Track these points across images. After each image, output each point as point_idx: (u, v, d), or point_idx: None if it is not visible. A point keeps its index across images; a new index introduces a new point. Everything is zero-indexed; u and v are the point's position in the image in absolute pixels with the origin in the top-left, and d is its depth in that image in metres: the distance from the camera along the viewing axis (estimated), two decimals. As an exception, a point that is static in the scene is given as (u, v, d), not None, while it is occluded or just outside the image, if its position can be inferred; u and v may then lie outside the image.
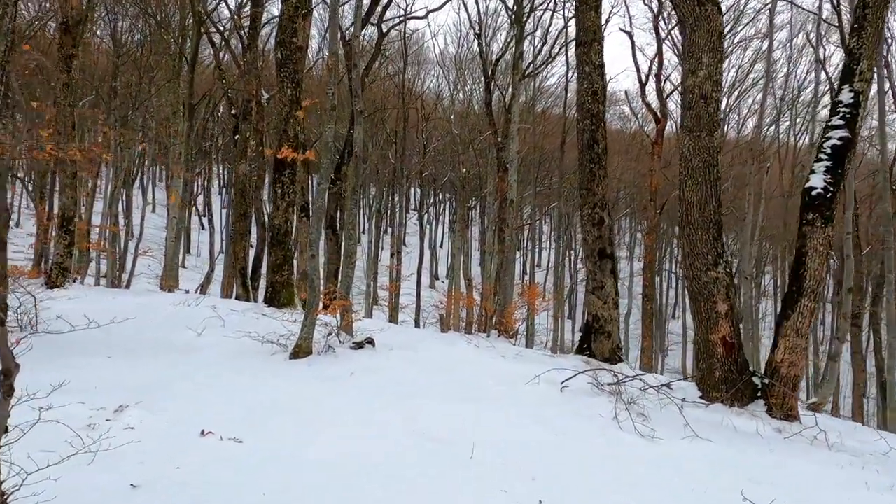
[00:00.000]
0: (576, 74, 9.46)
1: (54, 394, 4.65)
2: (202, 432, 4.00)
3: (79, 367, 5.65)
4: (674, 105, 27.97)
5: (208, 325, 8.08)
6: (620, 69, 32.30)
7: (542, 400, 5.58)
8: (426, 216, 46.17)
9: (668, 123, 23.22)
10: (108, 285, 21.47)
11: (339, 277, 19.29)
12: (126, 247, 27.03)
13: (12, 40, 7.18)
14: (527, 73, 19.46)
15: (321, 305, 7.05)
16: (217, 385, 5.31)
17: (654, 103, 22.17)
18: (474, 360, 7.34)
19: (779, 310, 6.24)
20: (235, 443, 3.90)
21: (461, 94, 37.07)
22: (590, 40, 9.26)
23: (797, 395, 6.44)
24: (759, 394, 6.41)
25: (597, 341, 9.23)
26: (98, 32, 23.27)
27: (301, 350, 6.52)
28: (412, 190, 48.54)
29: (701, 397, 6.48)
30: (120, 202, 28.40)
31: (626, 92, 40.34)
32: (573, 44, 25.19)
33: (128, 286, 22.17)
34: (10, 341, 3.07)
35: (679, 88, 26.26)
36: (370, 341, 7.28)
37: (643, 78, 23.57)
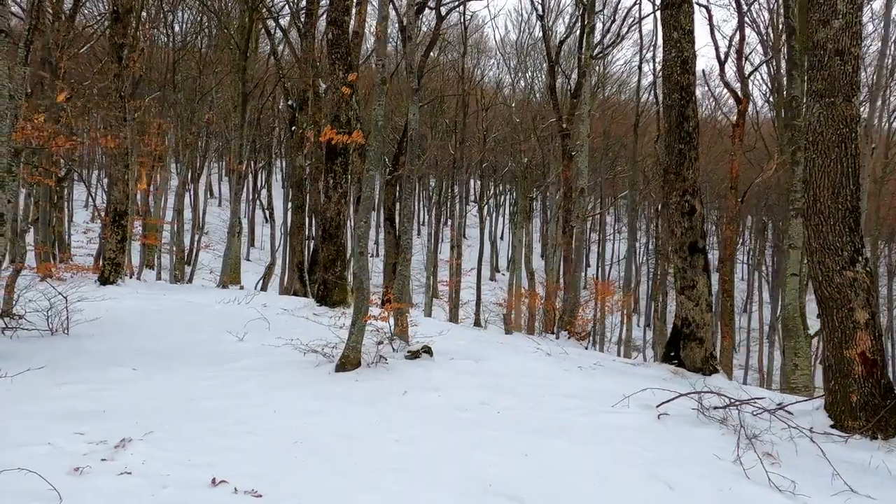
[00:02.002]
0: (662, 42, 8.25)
1: (56, 420, 3.98)
2: (213, 481, 3.17)
3: (97, 380, 4.98)
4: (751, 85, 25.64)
5: (251, 329, 7.39)
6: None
7: (638, 432, 4.51)
8: (486, 207, 45.11)
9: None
10: (171, 279, 21.55)
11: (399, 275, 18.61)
12: (193, 241, 27.29)
13: (36, 20, 6.65)
14: (595, 54, 18.09)
15: (372, 310, 6.18)
16: (246, 408, 4.52)
17: (733, 83, 20.36)
18: (547, 374, 6.31)
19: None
20: (252, 497, 3.05)
21: (522, 82, 35.79)
22: (678, 2, 8.01)
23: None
24: (908, 423, 5.12)
25: (687, 348, 8.02)
26: (162, 29, 23.35)
27: (348, 361, 5.68)
28: (472, 181, 47.51)
29: (833, 426, 5.24)
30: (186, 196, 28.72)
31: (703, 71, 37.91)
32: (643, 21, 23.41)
33: (190, 280, 22.21)
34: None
35: (760, 68, 24.09)
36: (427, 350, 6.37)
37: (722, 56, 21.74)
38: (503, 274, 43.09)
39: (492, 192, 48.10)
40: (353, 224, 21.48)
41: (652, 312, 31.83)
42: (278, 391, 5.02)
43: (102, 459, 3.36)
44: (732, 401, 5.21)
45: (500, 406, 4.99)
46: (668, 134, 8.11)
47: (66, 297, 6.60)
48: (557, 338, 11.19)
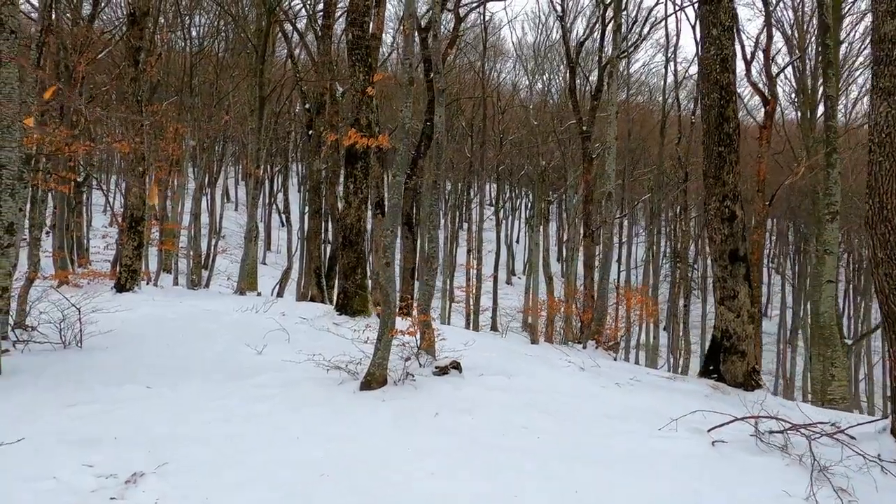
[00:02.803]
0: (700, 39, 7.84)
1: (65, 448, 3.68)
2: (233, 525, 2.85)
3: (109, 399, 4.69)
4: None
5: (271, 340, 7.09)
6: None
7: (693, 462, 4.12)
8: (502, 211, 44.74)
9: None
10: (188, 285, 21.41)
11: (416, 281, 18.28)
12: (210, 245, 27.20)
13: (49, 20, 6.42)
14: (622, 53, 17.69)
15: (398, 323, 5.83)
16: (267, 432, 4.20)
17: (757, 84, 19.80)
18: (584, 392, 5.93)
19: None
20: (277, 546, 2.72)
21: (539, 84, 35.40)
22: (717, -3, 7.60)
23: None
24: (985, 451, 4.67)
25: (727, 362, 7.60)
26: (179, 33, 23.32)
27: (374, 379, 5.34)
28: (487, 184, 47.15)
29: (902, 453, 4.81)
30: (203, 201, 28.61)
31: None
32: (664, 22, 22.98)
33: (207, 286, 22.07)
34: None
35: (786, 69, 23.42)
36: (456, 365, 6.02)
37: (748, 55, 21.20)
38: (519, 278, 42.67)
39: (507, 195, 47.70)
40: (371, 229, 21.22)
41: (670, 317, 31.22)
42: (300, 412, 4.69)
43: (112, 498, 3.05)
44: (792, 425, 4.80)
45: (539, 430, 4.62)
46: (707, 136, 7.71)
47: (79, 309, 6.33)
48: (584, 348, 10.78)
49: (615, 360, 10.29)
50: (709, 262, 36.76)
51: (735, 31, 8.03)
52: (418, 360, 6.09)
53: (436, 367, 5.96)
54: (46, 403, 4.61)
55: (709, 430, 4.79)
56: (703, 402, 6.34)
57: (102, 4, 19.35)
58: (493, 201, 46.48)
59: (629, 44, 18.93)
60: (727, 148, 7.54)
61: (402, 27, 5.30)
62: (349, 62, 10.45)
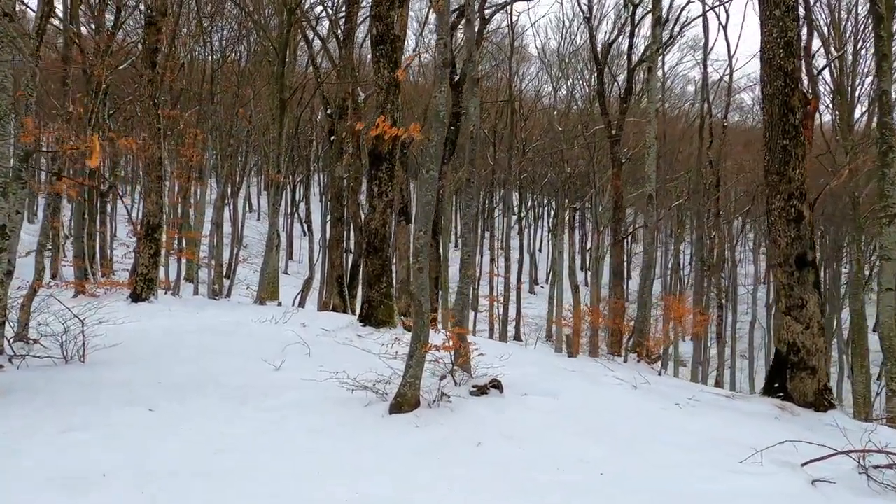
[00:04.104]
0: (760, 23, 7.12)
1: (47, 489, 3.08)
2: None
3: (105, 425, 4.11)
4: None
5: (290, 354, 6.49)
6: (753, 52, 28.47)
7: (797, 507, 3.40)
8: (525, 219, 43.99)
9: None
10: (209, 294, 21.03)
11: (439, 290, 17.61)
12: (231, 255, 26.88)
13: (50, 6, 5.95)
14: (648, 55, 16.99)
15: (432, 337, 5.17)
16: (282, 465, 3.57)
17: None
18: (641, 414, 5.22)
19: None
20: None
21: (563, 90, 34.75)
22: (779, -26, 6.89)
23: None
24: None
25: (795, 379, 6.81)
26: (201, 41, 23.11)
27: (405, 401, 4.69)
28: (511, 193, 46.43)
29: None
30: (226, 210, 28.38)
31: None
32: (690, 25, 22.07)
33: (228, 295, 21.68)
34: None
35: (829, 66, 22.60)
36: (496, 385, 5.35)
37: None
38: (542, 286, 41.81)
39: (530, 203, 46.98)
40: (394, 236, 20.64)
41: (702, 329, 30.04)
42: (321, 440, 4.07)
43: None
44: (903, 460, 4.04)
45: (599, 462, 3.94)
46: (770, 128, 6.98)
47: (82, 321, 5.79)
48: (625, 361, 10.05)
49: (660, 374, 9.53)
50: (738, 270, 35.52)
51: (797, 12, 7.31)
52: (454, 379, 5.43)
53: (473, 387, 5.29)
54: (36, 430, 4.05)
55: (803, 465, 4.05)
56: (774, 424, 5.62)
57: (125, 14, 19.14)
58: (516, 209, 45.82)
59: (661, 43, 18.20)
60: (793, 141, 6.81)
61: (433, 4, 4.78)
62: (373, 58, 9.91)
